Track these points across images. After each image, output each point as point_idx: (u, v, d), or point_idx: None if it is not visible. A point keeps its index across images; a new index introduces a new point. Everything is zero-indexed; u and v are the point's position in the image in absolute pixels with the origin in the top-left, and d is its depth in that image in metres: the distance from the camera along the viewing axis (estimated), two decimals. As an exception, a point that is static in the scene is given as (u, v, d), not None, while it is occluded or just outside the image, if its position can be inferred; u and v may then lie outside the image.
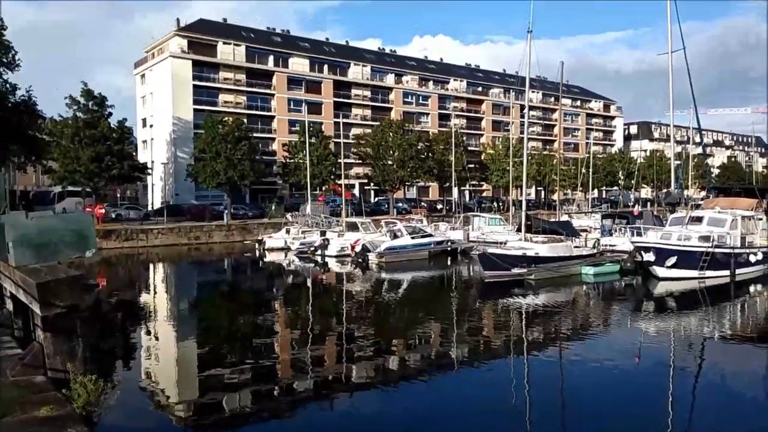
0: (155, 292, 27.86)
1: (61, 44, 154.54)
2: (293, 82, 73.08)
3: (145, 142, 67.90)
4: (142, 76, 71.68)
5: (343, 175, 47.97)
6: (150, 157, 57.49)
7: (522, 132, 44.87)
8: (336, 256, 34.94)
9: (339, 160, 51.57)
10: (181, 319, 20.61)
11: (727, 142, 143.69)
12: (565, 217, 39.83)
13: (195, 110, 63.65)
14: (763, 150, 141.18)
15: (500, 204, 68.02)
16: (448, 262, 34.04)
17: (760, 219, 28.17)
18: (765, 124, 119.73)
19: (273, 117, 71.17)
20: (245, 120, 60.22)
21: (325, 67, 76.83)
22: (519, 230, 31.21)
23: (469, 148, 79.27)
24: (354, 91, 79.50)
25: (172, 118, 63.25)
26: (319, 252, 35.86)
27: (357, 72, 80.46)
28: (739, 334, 17.56)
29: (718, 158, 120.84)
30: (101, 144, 44.23)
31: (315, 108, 70.92)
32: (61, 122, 45.02)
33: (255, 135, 60.12)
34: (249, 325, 19.28)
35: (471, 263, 31.69)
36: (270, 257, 37.91)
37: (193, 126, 62.53)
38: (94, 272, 30.33)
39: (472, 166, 70.36)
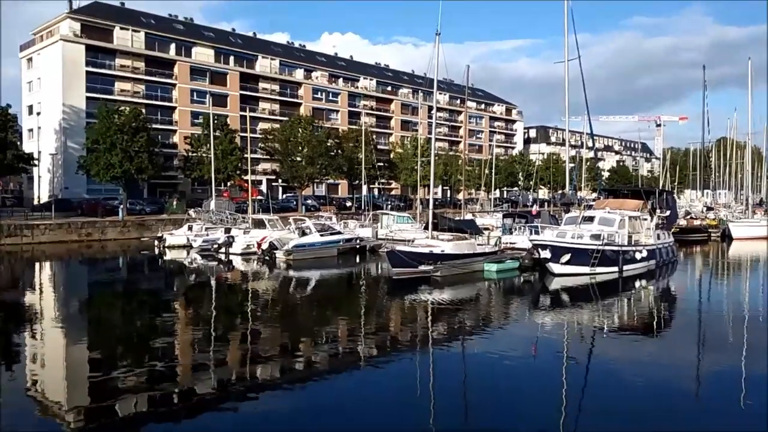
0: (42, 292, 25.77)
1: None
2: (196, 72, 70.32)
3: (31, 130, 62.85)
4: (29, 59, 66.12)
5: (249, 171, 46.80)
6: (37, 147, 53.35)
7: (430, 132, 45.81)
8: (241, 254, 34.03)
9: (245, 155, 50.22)
10: (70, 321, 19.18)
11: (616, 148, 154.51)
12: (469, 216, 41.04)
13: (88, 98, 59.71)
14: (648, 155, 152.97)
15: (406, 202, 69.02)
16: (357, 260, 34.11)
17: (645, 219, 30.38)
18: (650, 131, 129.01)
19: (174, 108, 68.16)
20: (144, 110, 57.24)
21: (231, 58, 74.60)
22: (426, 228, 31.84)
23: (379, 147, 79.98)
24: (262, 85, 77.83)
25: (62, 106, 58.88)
26: (223, 249, 34.77)
27: (265, 65, 78.82)
28: (625, 325, 18.87)
29: (608, 162, 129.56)
30: (-20, 131, 40.58)
31: (220, 100, 68.60)
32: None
33: (154, 126, 57.50)
34: (145, 327, 18.28)
35: (379, 260, 31.92)
36: (170, 255, 36.26)
37: (85, 115, 58.56)
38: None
39: (381, 164, 71.03)
